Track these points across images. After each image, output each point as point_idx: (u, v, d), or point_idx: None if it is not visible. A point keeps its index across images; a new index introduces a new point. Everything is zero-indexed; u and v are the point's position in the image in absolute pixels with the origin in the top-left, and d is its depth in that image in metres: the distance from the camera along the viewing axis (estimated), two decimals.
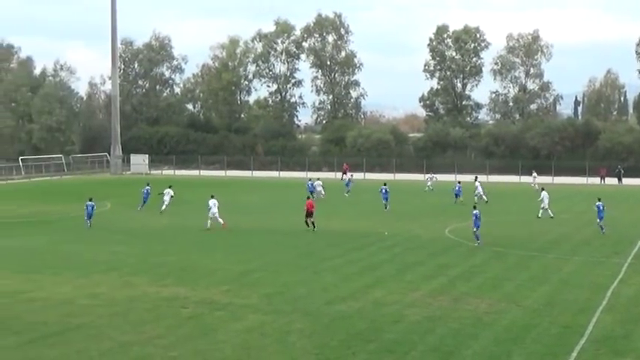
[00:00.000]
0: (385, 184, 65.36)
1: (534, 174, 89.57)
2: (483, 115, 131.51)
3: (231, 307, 29.43)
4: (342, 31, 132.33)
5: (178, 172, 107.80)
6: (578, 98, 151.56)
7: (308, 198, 56.03)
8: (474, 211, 46.16)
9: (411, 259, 40.23)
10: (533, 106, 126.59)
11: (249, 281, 34.47)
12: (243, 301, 30.40)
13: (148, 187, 64.99)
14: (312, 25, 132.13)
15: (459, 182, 71.17)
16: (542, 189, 62.44)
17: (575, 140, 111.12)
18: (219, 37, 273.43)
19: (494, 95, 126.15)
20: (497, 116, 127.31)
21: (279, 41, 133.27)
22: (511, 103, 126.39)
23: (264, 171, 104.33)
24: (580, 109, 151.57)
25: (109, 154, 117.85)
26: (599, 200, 51.37)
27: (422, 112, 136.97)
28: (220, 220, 51.38)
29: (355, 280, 34.48)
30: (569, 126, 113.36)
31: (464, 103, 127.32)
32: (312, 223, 51.19)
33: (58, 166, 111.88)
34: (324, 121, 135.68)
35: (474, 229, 45.62)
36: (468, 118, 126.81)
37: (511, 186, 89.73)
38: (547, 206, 59.36)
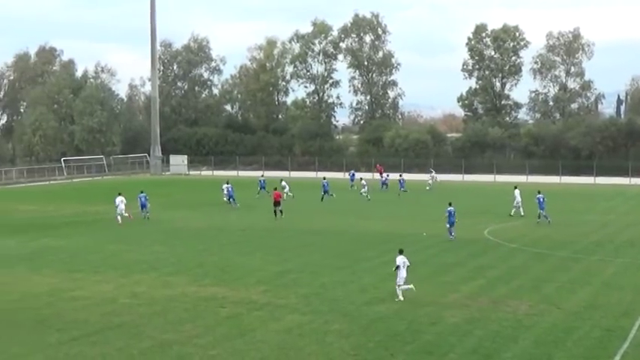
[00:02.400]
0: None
1: (433, 172, 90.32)
2: (523, 115, 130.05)
3: (270, 308, 29.50)
4: (380, 31, 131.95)
5: (217, 173, 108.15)
6: (621, 97, 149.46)
7: (275, 189, 62.62)
8: (449, 208, 47.35)
9: (450, 260, 40.05)
10: (573, 106, 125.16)
11: (287, 282, 34.53)
12: (281, 302, 30.45)
13: (228, 186, 67.31)
14: (349, 25, 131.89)
15: (324, 178, 74.82)
16: (515, 187, 61.26)
17: (618, 140, 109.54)
18: (257, 38, 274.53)
19: (533, 94, 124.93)
20: (537, 116, 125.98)
21: (316, 42, 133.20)
22: (551, 103, 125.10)
23: (302, 171, 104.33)
24: (623, 108, 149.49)
25: (149, 155, 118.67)
26: (538, 192, 56.16)
27: (460, 112, 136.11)
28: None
29: (393, 281, 34.23)
30: (612, 125, 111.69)
31: (503, 102, 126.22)
32: (281, 211, 57.60)
33: (99, 166, 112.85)
34: (361, 122, 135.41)
35: (447, 225, 47.10)
36: (507, 118, 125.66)
37: (551, 186, 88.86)
38: (520, 204, 58.89)
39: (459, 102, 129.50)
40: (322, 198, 71.12)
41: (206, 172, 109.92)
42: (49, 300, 30.92)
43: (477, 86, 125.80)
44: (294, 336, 25.64)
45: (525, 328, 26.60)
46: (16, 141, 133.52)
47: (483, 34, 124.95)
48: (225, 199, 67.36)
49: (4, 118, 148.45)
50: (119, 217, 55.86)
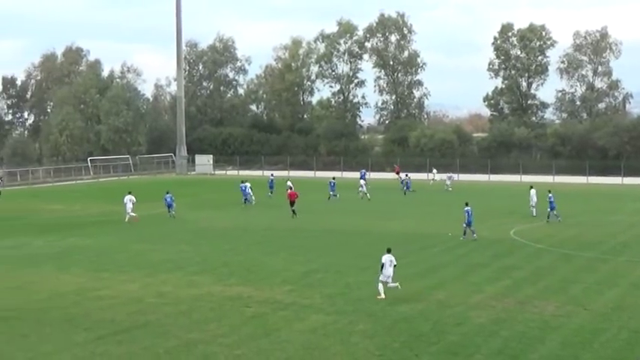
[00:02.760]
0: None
1: (434, 170, 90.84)
2: (549, 115, 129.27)
3: (295, 307, 29.55)
4: (405, 31, 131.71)
5: (242, 173, 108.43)
6: None
7: (291, 189, 62.52)
8: (466, 208, 47.40)
9: (476, 261, 39.94)
10: (601, 105, 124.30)
11: (312, 281, 34.58)
12: (306, 302, 30.50)
13: (245, 184, 67.92)
14: (374, 25, 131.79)
15: (334, 178, 75.77)
16: (531, 187, 61.08)
17: None
18: (282, 38, 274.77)
19: (560, 94, 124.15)
20: (564, 116, 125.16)
21: (341, 42, 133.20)
22: (578, 102, 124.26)
23: (327, 171, 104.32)
24: None
25: (175, 155, 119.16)
26: (549, 191, 56.71)
27: (486, 112, 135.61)
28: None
29: (418, 282, 34.34)
30: None
31: (529, 102, 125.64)
32: (293, 211, 58.52)
33: (125, 166, 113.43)
34: (386, 121, 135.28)
35: (464, 225, 47.21)
36: (534, 118, 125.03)
37: (578, 187, 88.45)
38: (534, 205, 58.74)
39: (484, 102, 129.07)
40: (329, 197, 71.49)
41: (232, 172, 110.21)
42: (76, 299, 31.14)
43: (503, 86, 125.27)
44: (319, 336, 25.68)
45: (552, 329, 26.49)
46: (43, 141, 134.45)
47: (509, 34, 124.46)
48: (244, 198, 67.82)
49: (32, 118, 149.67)
50: (127, 216, 56.62)
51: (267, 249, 44.13)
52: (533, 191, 59.55)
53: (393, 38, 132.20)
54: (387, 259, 31.53)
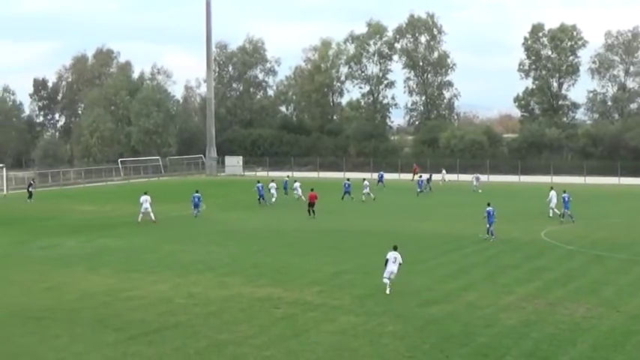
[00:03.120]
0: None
1: (444, 170, 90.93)
2: (580, 115, 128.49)
3: (324, 308, 29.57)
4: (435, 32, 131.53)
5: (272, 174, 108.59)
6: None
7: (312, 190, 61.63)
8: (488, 208, 47.55)
9: (506, 262, 39.78)
10: (633, 106, 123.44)
11: (341, 283, 34.58)
12: (335, 303, 30.51)
13: (259, 185, 69.19)
14: (404, 25, 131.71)
15: (348, 179, 74.96)
16: (551, 188, 60.65)
17: None
18: (312, 39, 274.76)
19: (591, 94, 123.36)
20: (595, 116, 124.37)
21: (371, 42, 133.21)
22: (610, 103, 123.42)
23: (357, 172, 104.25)
24: None
25: (205, 156, 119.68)
26: (564, 191, 56.70)
27: (516, 113, 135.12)
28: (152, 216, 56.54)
29: (448, 283, 34.26)
30: None
31: (560, 102, 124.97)
32: (313, 211, 58.94)
33: (155, 167, 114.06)
34: (416, 122, 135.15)
35: (487, 226, 47.30)
36: (565, 119, 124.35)
37: (610, 188, 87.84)
38: (554, 206, 58.34)
39: (515, 102, 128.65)
40: (342, 197, 71.52)
41: (261, 173, 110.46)
42: (106, 299, 31.34)
43: (534, 86, 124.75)
44: (349, 337, 25.68)
45: (583, 331, 26.33)
46: (74, 142, 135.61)
47: (540, 34, 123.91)
48: (265, 198, 68.74)
49: (63, 120, 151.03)
50: (140, 216, 57.14)
51: (297, 250, 44.19)
52: (552, 192, 59.33)
53: (423, 39, 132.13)
54: (391, 255, 32.22)
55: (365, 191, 72.24)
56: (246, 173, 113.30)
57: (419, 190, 78.53)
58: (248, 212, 63.32)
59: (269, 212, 62.93)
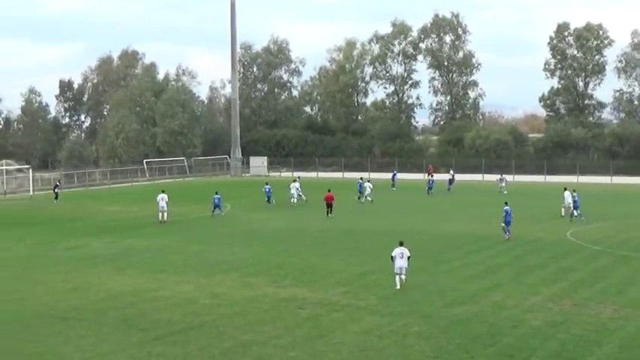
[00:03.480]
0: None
1: (451, 171, 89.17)
2: (607, 115, 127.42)
3: (349, 309, 29.55)
4: (460, 31, 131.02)
5: (296, 174, 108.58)
6: None
7: (329, 190, 61.55)
8: (505, 207, 47.66)
9: (532, 263, 39.60)
10: None
11: (366, 283, 34.55)
12: (360, 303, 30.49)
13: (267, 187, 69.06)
14: (429, 25, 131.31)
15: (368, 181, 73.81)
16: (565, 189, 60.42)
17: None
18: (336, 39, 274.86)
19: (618, 94, 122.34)
20: (622, 115, 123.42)
21: (396, 42, 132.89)
22: (636, 102, 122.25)
23: (381, 172, 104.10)
24: None
25: (229, 157, 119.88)
26: (573, 190, 57.32)
27: (542, 112, 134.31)
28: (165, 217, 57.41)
29: (473, 283, 34.16)
30: None
31: (586, 102, 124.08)
32: (331, 211, 59.68)
33: (180, 168, 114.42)
34: (441, 122, 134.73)
35: (504, 225, 47.34)
36: (591, 118, 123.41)
37: (637, 188, 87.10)
38: (567, 206, 58.18)
39: (540, 102, 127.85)
40: (359, 197, 71.17)
41: (286, 174, 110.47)
42: (132, 300, 31.50)
43: (560, 86, 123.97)
44: (374, 337, 25.66)
45: (610, 332, 26.17)
46: (100, 143, 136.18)
47: (566, 33, 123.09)
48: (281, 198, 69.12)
49: (88, 121, 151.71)
50: (160, 215, 57.69)
51: (321, 250, 44.20)
52: (567, 193, 59.16)
53: (448, 39, 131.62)
54: (397, 252, 33.12)
55: (367, 192, 71.20)
56: (270, 174, 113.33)
57: (427, 188, 78.42)
58: (272, 212, 63.38)
59: (292, 212, 62.94)
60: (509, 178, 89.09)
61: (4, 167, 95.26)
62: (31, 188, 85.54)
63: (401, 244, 33.51)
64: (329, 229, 53.23)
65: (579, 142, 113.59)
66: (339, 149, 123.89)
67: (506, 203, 48.77)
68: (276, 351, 24.26)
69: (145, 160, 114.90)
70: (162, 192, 58.88)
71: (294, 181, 72.00)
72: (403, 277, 33.05)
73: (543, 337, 25.63)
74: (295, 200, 68.61)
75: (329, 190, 61.41)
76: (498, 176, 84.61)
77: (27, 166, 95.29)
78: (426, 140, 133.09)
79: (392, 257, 33.36)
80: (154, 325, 27.33)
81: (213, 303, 30.73)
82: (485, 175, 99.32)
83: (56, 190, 76.43)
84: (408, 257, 33.10)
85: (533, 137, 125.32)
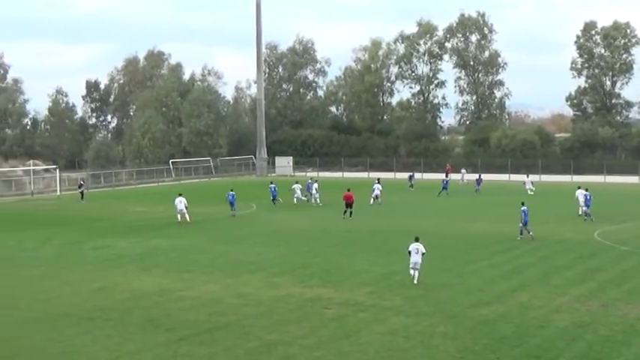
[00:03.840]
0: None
1: (463, 170, 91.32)
2: (634, 114, 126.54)
3: (375, 309, 29.52)
4: (486, 31, 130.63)
5: (322, 174, 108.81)
6: None
7: (348, 190, 60.57)
8: (522, 207, 47.58)
9: (558, 263, 39.39)
10: None
11: (392, 283, 34.49)
12: (386, 303, 30.44)
13: (272, 185, 70.12)
14: (454, 25, 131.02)
15: (377, 182, 71.38)
16: (579, 187, 61.06)
17: None
18: (362, 39, 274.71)
19: None
20: None
21: (421, 42, 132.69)
22: None
23: (407, 172, 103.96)
24: None
25: (255, 157, 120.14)
26: (586, 189, 58.00)
27: (569, 112, 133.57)
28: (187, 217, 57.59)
29: (500, 284, 34.03)
30: None
31: (613, 101, 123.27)
32: (351, 212, 58.53)
33: (206, 168, 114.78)
34: (467, 122, 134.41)
35: (520, 225, 47.28)
36: (618, 117, 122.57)
37: None
38: (582, 204, 58.11)
39: (567, 101, 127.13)
40: (373, 200, 69.93)
41: (311, 174, 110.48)
42: (158, 300, 31.60)
43: (587, 85, 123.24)
44: (400, 338, 25.62)
45: (638, 333, 25.97)
46: (126, 143, 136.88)
47: (593, 32, 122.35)
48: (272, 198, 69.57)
49: (115, 122, 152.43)
50: (179, 216, 58.02)
51: (346, 250, 44.18)
52: (579, 191, 59.63)
53: (474, 38, 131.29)
54: (413, 247, 34.33)
55: (375, 193, 69.42)
56: (296, 174, 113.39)
57: (443, 189, 78.31)
58: (297, 212, 63.42)
59: (317, 213, 62.93)
60: (534, 178, 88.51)
61: (31, 167, 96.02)
62: (58, 188, 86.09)
63: (416, 240, 34.62)
64: (355, 229, 53.18)
65: (606, 141, 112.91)
66: (364, 149, 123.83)
67: (522, 203, 48.54)
68: (301, 351, 24.27)
69: (170, 160, 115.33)
70: (180, 195, 59.34)
71: (271, 182, 72.53)
72: (417, 272, 34.10)
73: (570, 337, 25.49)
74: (315, 200, 68.41)
75: (348, 190, 60.84)
76: (526, 177, 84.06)
77: (54, 167, 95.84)
78: (451, 140, 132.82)
79: (408, 252, 34.46)
80: (180, 325, 27.41)
81: (239, 303, 30.79)
82: (511, 176, 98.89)
83: (81, 190, 76.81)
84: (423, 253, 34.21)
85: (560, 137, 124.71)
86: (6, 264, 41.13)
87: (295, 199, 69.11)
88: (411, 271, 34.28)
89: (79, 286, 34.76)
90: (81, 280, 35.95)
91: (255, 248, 45.17)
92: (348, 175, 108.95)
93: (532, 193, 77.68)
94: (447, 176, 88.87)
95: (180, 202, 58.29)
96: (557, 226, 53.69)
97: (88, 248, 46.37)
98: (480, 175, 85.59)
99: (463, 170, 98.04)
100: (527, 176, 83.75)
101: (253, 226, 55.42)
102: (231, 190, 63.12)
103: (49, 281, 36.10)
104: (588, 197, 56.63)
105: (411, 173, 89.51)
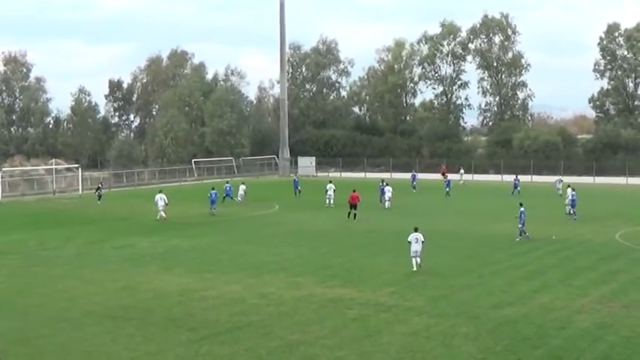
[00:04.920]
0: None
1: (462, 170, 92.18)
2: None
3: (397, 310, 29.53)
4: (509, 32, 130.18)
5: (344, 175, 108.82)
6: None
7: (354, 191, 59.59)
8: (521, 209, 47.55)
9: (580, 264, 39.27)
10: None
11: (414, 283, 34.49)
12: (408, 304, 30.45)
13: (228, 185, 72.00)
14: (478, 26, 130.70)
15: (386, 184, 69.08)
16: (568, 186, 62.39)
17: None
18: (385, 40, 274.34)
19: None
20: None
21: (444, 43, 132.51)
22: None
23: (429, 173, 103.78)
24: None
25: (278, 157, 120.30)
26: (572, 189, 59.47)
27: (591, 113, 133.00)
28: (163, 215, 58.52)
29: (521, 285, 33.95)
30: None
31: (636, 103, 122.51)
32: (355, 215, 57.73)
33: (228, 168, 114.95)
34: (490, 123, 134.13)
35: (520, 226, 47.40)
36: None
37: None
38: (568, 203, 59.23)
39: (590, 103, 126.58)
40: (380, 199, 69.30)
41: (334, 174, 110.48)
42: (179, 299, 31.73)
43: (609, 87, 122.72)
44: (421, 338, 25.62)
45: None
46: (149, 143, 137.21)
47: (616, 34, 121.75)
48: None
49: (137, 121, 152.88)
50: (158, 215, 58.91)
51: (368, 251, 44.18)
52: (569, 190, 60.80)
53: (497, 39, 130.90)
54: (412, 237, 37.58)
55: (387, 195, 67.27)
56: (318, 174, 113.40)
57: (447, 189, 78.47)
58: (318, 212, 63.46)
59: (339, 213, 62.85)
60: (554, 179, 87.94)
61: (53, 166, 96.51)
62: (80, 187, 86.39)
63: (416, 230, 37.96)
64: (374, 229, 53.19)
65: (629, 143, 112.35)
66: (387, 150, 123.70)
67: (520, 204, 48.45)
68: (323, 351, 24.31)
69: (193, 160, 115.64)
70: (160, 192, 60.79)
71: (243, 183, 74.07)
72: (418, 259, 37.22)
73: (592, 338, 25.41)
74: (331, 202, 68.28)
75: (354, 191, 60.09)
76: (556, 178, 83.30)
77: (76, 166, 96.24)
78: (474, 141, 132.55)
79: (409, 242, 37.64)
80: (201, 325, 27.51)
81: (261, 303, 30.86)
82: (533, 177, 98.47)
83: (99, 192, 76.40)
84: (422, 242, 37.49)
85: (583, 138, 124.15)
86: (29, 263, 41.41)
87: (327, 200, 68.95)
88: (412, 260, 37.12)
89: (102, 285, 34.93)
90: (103, 280, 36.13)
91: (276, 248, 45.26)
92: (370, 175, 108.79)
93: (560, 193, 76.70)
94: (445, 177, 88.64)
95: (161, 199, 59.13)
96: (579, 227, 53.50)
97: (109, 247, 46.57)
98: (517, 176, 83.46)
99: (462, 170, 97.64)
100: (559, 179, 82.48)
101: (275, 226, 55.50)
102: (213, 189, 64.24)
103: (71, 280, 36.31)
104: (574, 197, 58.28)
105: (414, 173, 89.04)
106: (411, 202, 70.83)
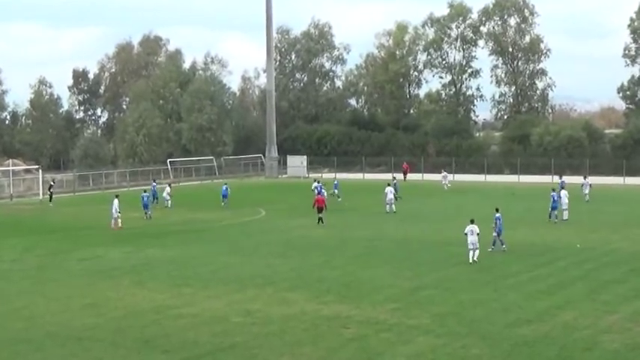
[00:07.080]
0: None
1: (444, 172, 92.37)
2: None
3: (399, 328, 29.56)
4: (527, 13, 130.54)
5: (340, 176, 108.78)
6: None
7: (318, 194, 63.88)
8: (496, 214, 47.62)
9: (608, 277, 39.31)
10: None
11: (419, 299, 34.53)
12: (412, 322, 30.47)
13: (154, 184, 75.62)
14: (491, 6, 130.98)
15: (388, 184, 70.00)
16: (562, 188, 64.57)
17: None
18: (386, 23, 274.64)
19: None
20: None
21: (453, 26, 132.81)
22: None
23: (436, 174, 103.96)
24: None
25: (264, 156, 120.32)
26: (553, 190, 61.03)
27: (621, 105, 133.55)
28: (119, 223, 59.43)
29: (541, 300, 33.99)
30: None
31: None
32: (321, 219, 59.32)
33: (208, 169, 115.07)
34: (505, 117, 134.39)
35: (495, 234, 47.36)
36: None
37: None
38: (565, 206, 60.95)
39: (619, 93, 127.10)
40: (397, 199, 69.74)
41: (328, 175, 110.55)
42: (154, 317, 31.70)
43: None
44: None
45: None
46: (118, 141, 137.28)
47: None
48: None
49: (105, 116, 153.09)
50: (118, 221, 59.90)
51: (368, 262, 44.18)
52: (563, 192, 62.32)
53: (513, 21, 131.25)
54: (468, 229, 42.82)
55: (390, 197, 67.77)
56: (310, 175, 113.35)
57: (445, 187, 78.95)
58: (311, 219, 63.48)
59: (336, 219, 62.98)
60: (580, 180, 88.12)
61: (10, 168, 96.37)
62: (40, 191, 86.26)
63: (472, 222, 42.98)
64: (378, 237, 53.21)
65: None
66: (388, 147, 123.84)
67: (497, 210, 48.20)
68: None
69: (168, 160, 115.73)
70: (117, 197, 61.82)
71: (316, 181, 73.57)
72: (477, 252, 42.29)
73: None
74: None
75: (318, 193, 61.26)
76: (584, 181, 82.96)
77: (36, 167, 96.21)
78: (487, 137, 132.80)
79: (465, 234, 42.91)
80: (179, 347, 27.51)
81: (246, 321, 30.86)
82: (554, 177, 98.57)
83: (50, 191, 77.06)
84: (478, 234, 42.44)
85: (611, 133, 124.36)
86: None
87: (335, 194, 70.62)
88: (470, 252, 42.21)
89: (66, 302, 34.88)
90: (67, 296, 36.09)
91: (264, 260, 45.24)
92: (369, 176, 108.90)
93: (587, 199, 76.32)
94: (404, 175, 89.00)
95: (113, 206, 60.08)
96: (607, 234, 53.60)
97: (74, 259, 46.52)
98: (585, 177, 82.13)
99: (444, 173, 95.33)
100: (585, 178, 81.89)
101: (262, 235, 55.54)
102: (145, 192, 67.11)
103: (31, 297, 36.25)
104: (555, 198, 60.16)
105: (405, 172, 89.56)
106: (419, 206, 70.89)
